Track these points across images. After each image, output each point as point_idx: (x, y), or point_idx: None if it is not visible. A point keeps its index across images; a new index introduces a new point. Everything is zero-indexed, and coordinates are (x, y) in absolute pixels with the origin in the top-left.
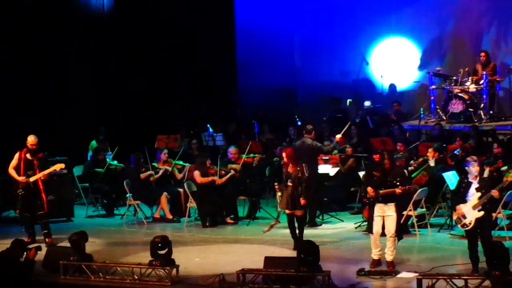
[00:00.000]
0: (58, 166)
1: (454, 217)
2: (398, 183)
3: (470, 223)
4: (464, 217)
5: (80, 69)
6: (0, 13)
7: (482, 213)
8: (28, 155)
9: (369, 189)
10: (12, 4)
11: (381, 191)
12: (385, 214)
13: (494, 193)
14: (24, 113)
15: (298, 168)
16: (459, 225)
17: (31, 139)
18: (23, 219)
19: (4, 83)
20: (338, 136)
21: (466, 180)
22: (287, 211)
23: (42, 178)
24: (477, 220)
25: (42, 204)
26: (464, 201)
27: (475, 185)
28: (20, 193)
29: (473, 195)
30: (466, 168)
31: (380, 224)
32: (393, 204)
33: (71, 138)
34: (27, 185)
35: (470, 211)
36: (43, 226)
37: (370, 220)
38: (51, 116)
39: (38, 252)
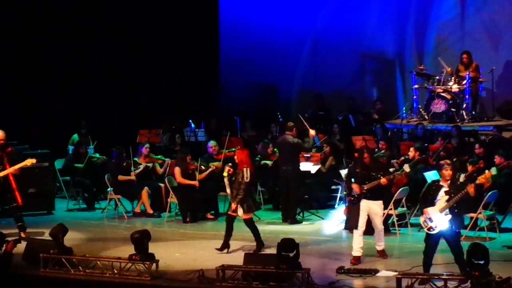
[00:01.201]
0: (29, 161)
1: (421, 220)
2: (380, 176)
3: (436, 227)
4: (431, 220)
5: (62, 63)
6: None
7: (448, 217)
8: None
9: (354, 185)
10: None
11: (365, 186)
12: (371, 212)
13: (469, 189)
14: (5, 107)
15: (240, 171)
16: (425, 229)
17: None
18: None
19: None
20: (312, 131)
21: (436, 183)
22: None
23: (12, 172)
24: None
25: (14, 197)
26: (432, 204)
27: (445, 188)
28: None
29: (442, 198)
30: (439, 171)
31: (365, 220)
32: (380, 201)
33: (53, 131)
34: None
35: (437, 214)
36: (16, 219)
37: (352, 216)
38: (33, 109)
39: (18, 244)
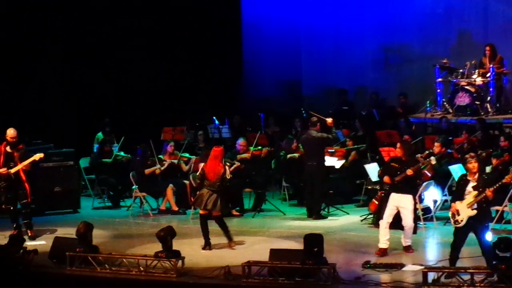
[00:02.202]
0: (38, 156)
1: (449, 213)
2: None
3: (461, 220)
4: (458, 213)
5: (87, 61)
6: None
7: (474, 211)
8: (8, 148)
9: (386, 178)
10: None
11: (396, 178)
12: (401, 205)
13: (488, 192)
14: (30, 105)
15: (222, 168)
16: (452, 221)
17: (10, 132)
18: (8, 212)
19: (10, 75)
20: (329, 119)
21: (464, 177)
22: (201, 211)
23: (23, 168)
24: (469, 218)
25: (25, 193)
26: (461, 198)
27: (472, 183)
28: (2, 186)
29: (470, 193)
30: (464, 165)
31: (392, 214)
32: (410, 195)
33: (77, 130)
34: (8, 176)
35: (464, 208)
36: (24, 216)
37: (381, 210)
38: (58, 108)
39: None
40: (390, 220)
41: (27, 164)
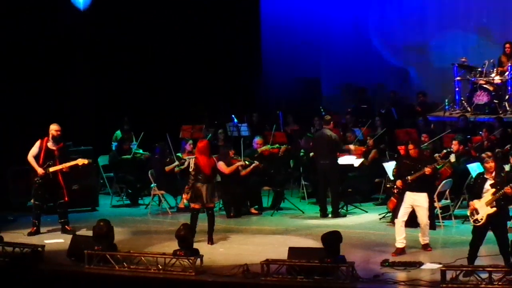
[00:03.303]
0: (81, 161)
1: (468, 212)
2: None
3: (481, 219)
4: (477, 212)
5: (106, 59)
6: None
7: (494, 209)
8: (49, 144)
9: (398, 182)
10: None
11: (409, 177)
12: (416, 204)
13: (507, 189)
14: (49, 102)
15: (213, 161)
16: (471, 220)
17: (54, 127)
18: (34, 207)
19: (30, 71)
20: (351, 146)
21: (482, 176)
22: (195, 205)
23: (63, 170)
24: (489, 216)
25: (62, 192)
26: (479, 196)
27: (490, 181)
28: (37, 181)
29: (488, 191)
30: (482, 164)
31: (407, 212)
32: (425, 194)
33: (96, 128)
34: (46, 175)
35: (483, 206)
36: (61, 215)
37: (396, 209)
38: (76, 105)
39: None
40: (405, 218)
41: (68, 167)
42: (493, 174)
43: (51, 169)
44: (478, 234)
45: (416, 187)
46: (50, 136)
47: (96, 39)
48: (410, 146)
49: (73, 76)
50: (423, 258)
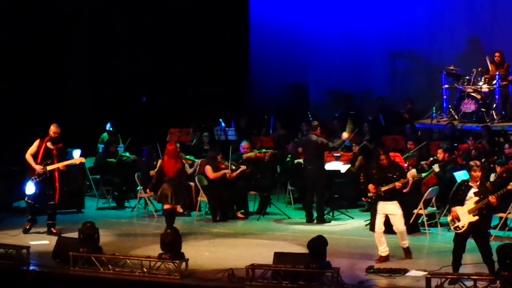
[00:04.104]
0: (78, 160)
1: (448, 219)
2: (397, 178)
3: (463, 226)
4: (458, 219)
5: (93, 62)
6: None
7: (476, 218)
8: (49, 144)
9: (370, 186)
10: None
11: (382, 188)
12: (388, 213)
13: (492, 199)
14: (36, 105)
15: (180, 164)
16: (452, 227)
17: (54, 128)
18: (27, 205)
19: (16, 75)
20: (345, 134)
21: (466, 183)
22: (166, 206)
23: (60, 168)
24: (470, 224)
25: (54, 194)
26: (461, 203)
27: (474, 189)
28: (35, 179)
29: (471, 199)
30: (469, 172)
31: (382, 222)
32: (395, 201)
33: (82, 130)
34: (43, 173)
35: (465, 214)
36: (49, 217)
37: (372, 218)
38: (63, 108)
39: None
40: (383, 228)
41: (64, 166)
42: (478, 183)
43: (49, 168)
44: (459, 241)
45: (385, 197)
46: (49, 136)
47: (82, 41)
48: (382, 157)
49: (60, 79)
50: (408, 265)
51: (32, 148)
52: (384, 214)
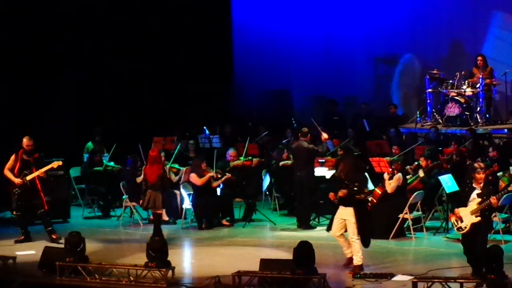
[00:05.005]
0: (56, 164)
1: (452, 220)
2: (355, 188)
3: (465, 227)
4: (461, 220)
5: (75, 70)
6: None
7: (478, 218)
8: (24, 156)
9: (331, 194)
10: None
11: (340, 193)
12: (343, 218)
13: (493, 200)
14: (19, 115)
15: (161, 170)
16: (455, 228)
17: (26, 141)
18: (17, 219)
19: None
20: (325, 135)
21: (470, 185)
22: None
23: (39, 175)
24: (473, 225)
25: (41, 203)
26: (464, 204)
27: (477, 191)
28: (16, 192)
29: (474, 200)
30: (471, 173)
31: (338, 226)
32: (351, 208)
33: (67, 139)
34: (24, 184)
35: (467, 215)
36: (45, 224)
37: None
38: (47, 117)
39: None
40: (340, 232)
41: (44, 172)
42: (481, 184)
43: (28, 177)
44: (467, 242)
45: (342, 202)
46: (23, 149)
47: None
48: (341, 163)
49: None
50: (395, 270)
51: (9, 163)
52: (340, 218)
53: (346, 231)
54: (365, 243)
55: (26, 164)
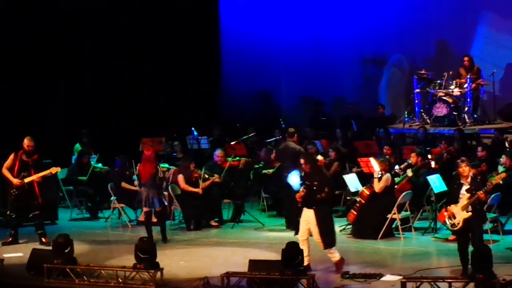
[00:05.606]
0: (54, 169)
1: (445, 218)
2: (315, 187)
3: (458, 223)
4: (454, 217)
5: (63, 72)
6: None
7: (469, 214)
8: (23, 157)
9: (297, 195)
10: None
11: (299, 195)
12: (306, 220)
13: (481, 194)
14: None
15: (154, 169)
16: (448, 225)
17: (27, 141)
18: (10, 219)
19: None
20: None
21: (458, 181)
22: (144, 209)
23: (36, 180)
24: (465, 220)
25: (38, 204)
26: (456, 201)
27: (466, 186)
28: (13, 193)
29: (463, 196)
30: (457, 169)
31: (305, 229)
32: (312, 210)
33: (55, 141)
34: (21, 186)
35: (459, 211)
36: (37, 227)
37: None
38: (35, 119)
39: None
40: (305, 236)
41: (41, 176)
42: (469, 179)
43: (26, 180)
44: (461, 238)
45: (304, 203)
46: (23, 149)
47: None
48: (302, 161)
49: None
50: (383, 270)
51: (8, 162)
52: (305, 221)
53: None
54: (326, 244)
55: (24, 165)
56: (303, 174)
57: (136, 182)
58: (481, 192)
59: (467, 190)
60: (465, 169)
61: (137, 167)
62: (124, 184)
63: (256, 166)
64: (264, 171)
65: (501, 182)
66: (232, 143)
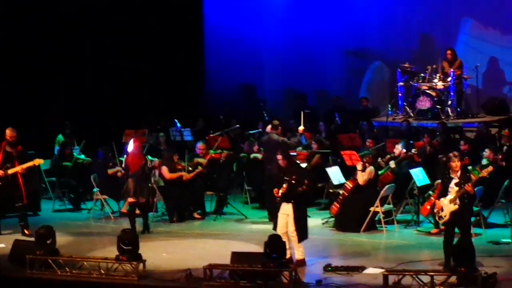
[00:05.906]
0: (38, 161)
1: (428, 211)
2: (293, 181)
3: (445, 216)
4: (442, 210)
5: (46, 64)
6: None
7: (456, 206)
8: (7, 148)
9: (275, 190)
10: None
11: (280, 190)
12: (284, 212)
13: (468, 187)
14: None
15: (143, 160)
16: (438, 218)
17: (9, 132)
18: None
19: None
20: (301, 128)
21: (448, 175)
22: (130, 199)
23: (20, 171)
24: (452, 213)
25: (21, 195)
26: (445, 195)
27: (455, 180)
28: None
29: (453, 190)
30: (447, 163)
31: (283, 223)
32: (290, 204)
33: (37, 132)
34: (5, 177)
35: (447, 205)
36: (21, 218)
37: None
38: (17, 110)
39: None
40: (285, 230)
41: (25, 168)
42: (458, 173)
43: (10, 171)
44: (448, 231)
45: (283, 198)
46: (6, 140)
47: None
48: (278, 157)
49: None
50: (366, 263)
51: None
52: (283, 213)
53: None
54: (300, 237)
55: (8, 156)
56: (279, 170)
57: (119, 173)
58: (468, 185)
59: (456, 184)
60: (457, 163)
61: (124, 158)
62: (109, 171)
63: (242, 155)
64: (253, 155)
65: (487, 175)
66: (213, 134)
